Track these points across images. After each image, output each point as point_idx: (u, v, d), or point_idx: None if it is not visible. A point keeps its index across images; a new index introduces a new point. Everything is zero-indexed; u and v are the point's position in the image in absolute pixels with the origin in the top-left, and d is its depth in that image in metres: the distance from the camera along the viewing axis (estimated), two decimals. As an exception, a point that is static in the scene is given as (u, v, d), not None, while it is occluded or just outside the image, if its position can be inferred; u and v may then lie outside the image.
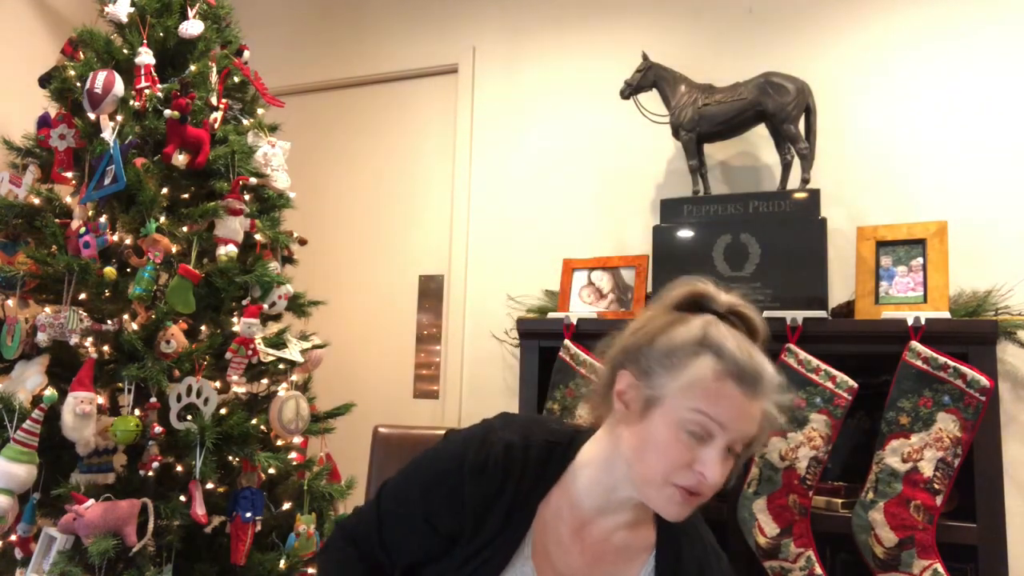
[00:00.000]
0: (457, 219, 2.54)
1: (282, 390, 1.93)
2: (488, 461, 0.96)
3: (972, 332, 1.55)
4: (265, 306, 1.91)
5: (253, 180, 1.96)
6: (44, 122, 1.84)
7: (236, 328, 1.83)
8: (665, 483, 0.88)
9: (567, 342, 1.87)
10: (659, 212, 1.97)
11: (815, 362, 1.60)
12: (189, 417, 1.70)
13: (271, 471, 1.83)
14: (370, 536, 1.03)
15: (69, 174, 1.84)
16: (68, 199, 1.85)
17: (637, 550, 1.00)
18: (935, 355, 1.51)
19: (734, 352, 0.88)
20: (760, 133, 2.01)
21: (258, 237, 1.95)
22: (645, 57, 2.10)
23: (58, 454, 1.65)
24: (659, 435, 0.89)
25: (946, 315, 1.59)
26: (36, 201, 1.83)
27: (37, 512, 1.63)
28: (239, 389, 1.94)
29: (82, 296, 1.71)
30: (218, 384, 1.83)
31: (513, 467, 0.97)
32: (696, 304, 0.96)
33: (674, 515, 0.90)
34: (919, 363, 1.52)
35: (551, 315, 2.01)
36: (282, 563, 1.78)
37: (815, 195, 1.81)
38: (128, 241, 1.75)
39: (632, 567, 0.99)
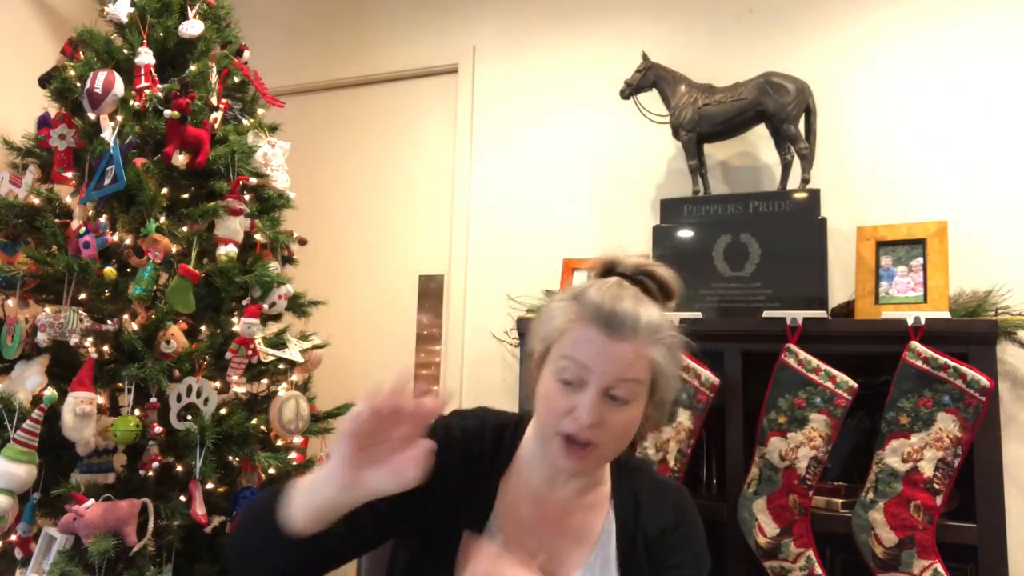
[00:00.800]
0: (457, 219, 2.54)
1: (282, 390, 1.93)
2: (451, 441, 1.01)
3: (972, 332, 1.55)
4: (265, 306, 1.91)
5: (253, 180, 1.97)
6: (44, 122, 1.84)
7: (236, 328, 1.83)
8: (555, 434, 0.93)
9: (567, 342, 1.87)
10: (659, 212, 1.97)
11: (815, 362, 1.60)
12: (189, 417, 1.70)
13: (271, 471, 1.83)
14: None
15: (69, 174, 1.84)
16: (68, 199, 1.85)
17: (595, 506, 1.02)
18: (935, 355, 1.51)
19: (593, 297, 0.94)
20: (760, 133, 2.01)
21: (258, 237, 1.95)
22: (645, 57, 2.10)
23: (58, 454, 1.65)
24: (545, 386, 0.95)
25: (946, 315, 1.59)
26: (36, 201, 1.83)
27: (37, 512, 1.63)
28: (239, 389, 1.94)
29: (82, 296, 1.71)
30: (218, 384, 1.83)
31: (472, 446, 1.02)
32: (609, 271, 1.02)
33: (566, 466, 0.94)
34: (919, 363, 1.52)
35: (551, 315, 2.01)
36: (282, 563, 1.78)
37: (815, 195, 1.81)
38: (128, 241, 1.75)
39: (594, 524, 1.01)
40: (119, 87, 1.79)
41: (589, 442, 0.92)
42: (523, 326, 2.01)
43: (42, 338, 1.64)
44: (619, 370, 0.92)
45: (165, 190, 1.83)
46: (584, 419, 0.90)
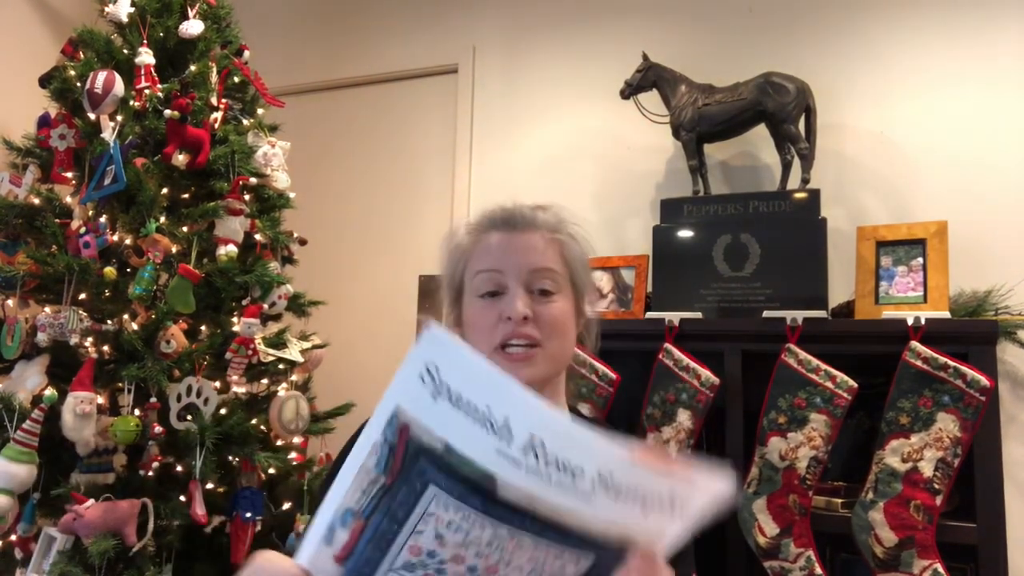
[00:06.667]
0: (457, 219, 2.54)
1: (282, 390, 1.93)
2: None
3: (972, 332, 1.55)
4: (265, 306, 1.91)
5: (253, 180, 1.97)
6: (44, 122, 1.84)
7: (236, 328, 1.83)
8: (492, 352, 0.91)
9: (567, 342, 1.87)
10: (659, 212, 1.97)
11: (815, 362, 1.60)
12: (189, 417, 1.70)
13: (271, 471, 1.83)
14: None
15: (69, 174, 1.84)
16: (68, 199, 1.85)
17: None
18: (935, 355, 1.51)
19: (484, 211, 0.96)
20: (760, 133, 2.01)
21: (258, 237, 1.95)
22: (645, 57, 2.10)
23: (58, 454, 1.65)
24: (469, 314, 0.94)
25: (946, 315, 1.59)
26: (36, 201, 1.83)
27: (37, 512, 1.63)
28: (239, 389, 1.94)
29: (82, 296, 1.71)
30: (218, 384, 1.83)
31: None
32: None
33: (516, 377, 0.92)
34: (919, 363, 1.52)
35: (551, 315, 2.01)
36: (282, 563, 1.78)
37: (815, 195, 1.81)
38: (128, 241, 1.75)
39: None
40: (119, 87, 1.79)
41: (530, 340, 0.89)
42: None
43: (42, 338, 1.64)
44: (532, 259, 0.92)
45: (165, 190, 1.83)
46: (516, 312, 0.88)
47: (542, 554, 0.53)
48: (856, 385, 1.56)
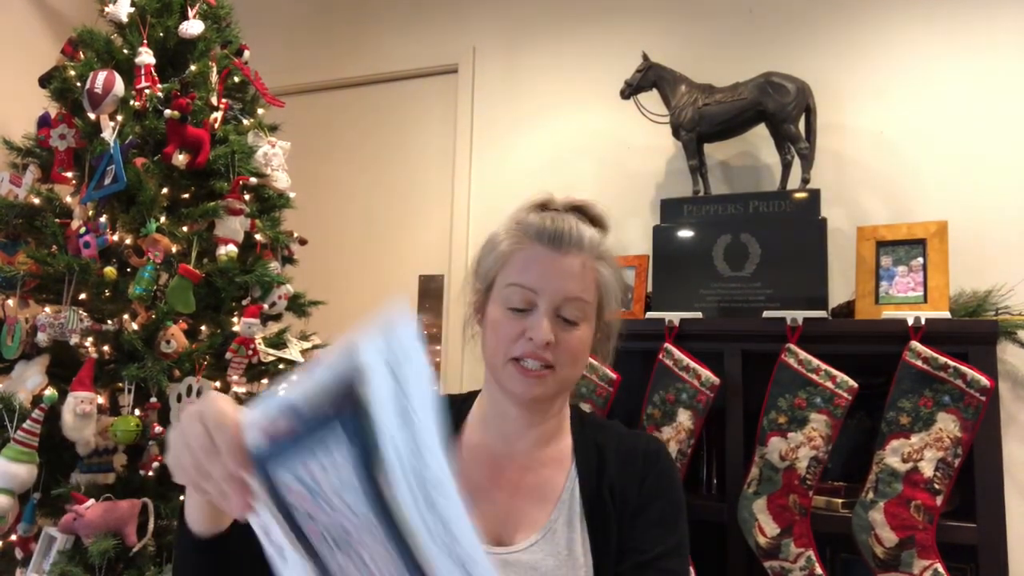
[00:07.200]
0: (457, 219, 2.54)
1: (282, 390, 1.93)
2: None
3: (972, 332, 1.55)
4: (265, 306, 1.91)
5: (253, 180, 1.96)
6: (44, 122, 1.84)
7: (236, 328, 1.83)
8: (506, 361, 0.93)
9: (567, 342, 1.87)
10: (659, 212, 1.97)
11: (815, 362, 1.60)
12: (189, 417, 1.70)
13: (271, 471, 1.83)
14: None
15: (69, 174, 1.84)
16: (68, 199, 1.85)
17: (556, 463, 0.99)
18: (935, 355, 1.51)
19: (533, 219, 0.95)
20: (760, 133, 2.01)
21: (258, 237, 1.95)
22: (645, 57, 2.10)
23: (58, 454, 1.65)
24: (493, 318, 0.95)
25: (946, 315, 1.59)
26: (36, 201, 1.83)
27: (37, 512, 1.62)
28: (239, 389, 1.94)
29: (82, 296, 1.71)
30: (218, 384, 1.83)
31: None
32: (543, 208, 1.02)
33: (521, 391, 0.93)
34: (919, 363, 1.52)
35: (551, 315, 2.01)
36: (282, 563, 1.78)
37: (815, 195, 1.81)
38: (128, 241, 1.75)
39: (556, 481, 0.98)
40: (119, 87, 1.79)
41: (546, 363, 0.92)
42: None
43: (42, 338, 1.64)
44: (568, 287, 0.92)
45: (165, 190, 1.83)
46: (539, 338, 0.90)
47: (384, 558, 0.56)
48: (856, 385, 1.56)
